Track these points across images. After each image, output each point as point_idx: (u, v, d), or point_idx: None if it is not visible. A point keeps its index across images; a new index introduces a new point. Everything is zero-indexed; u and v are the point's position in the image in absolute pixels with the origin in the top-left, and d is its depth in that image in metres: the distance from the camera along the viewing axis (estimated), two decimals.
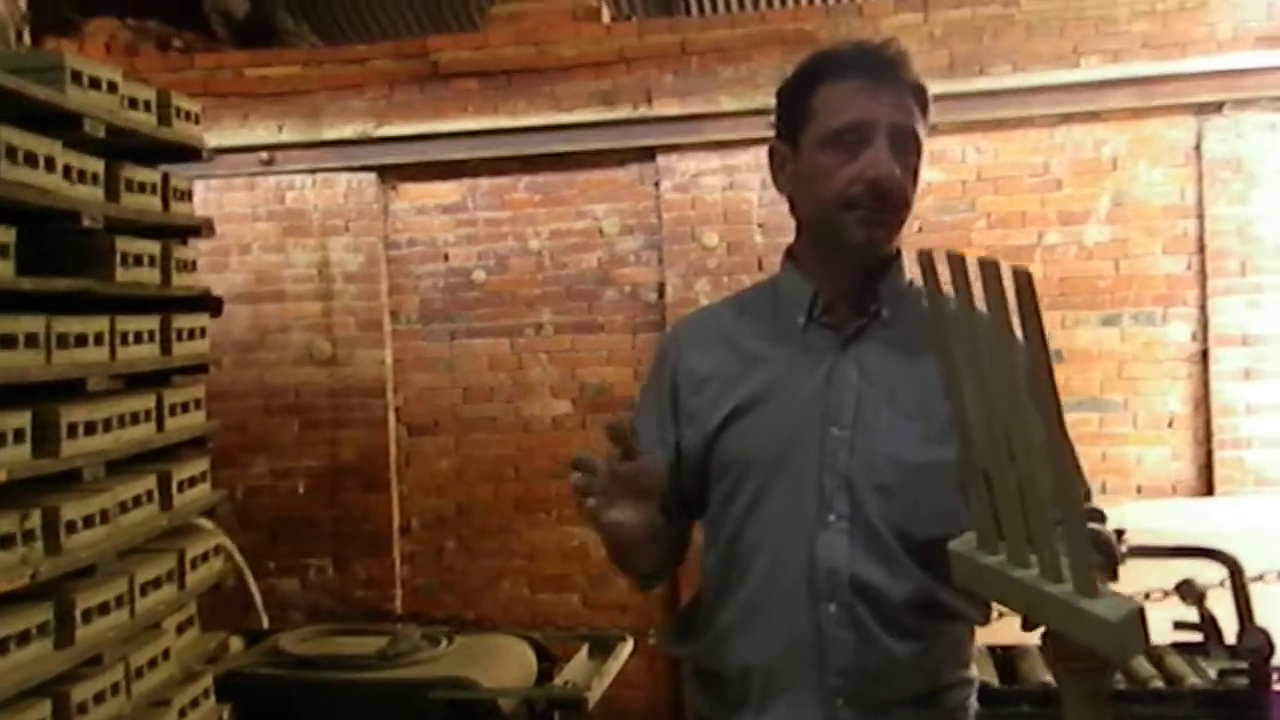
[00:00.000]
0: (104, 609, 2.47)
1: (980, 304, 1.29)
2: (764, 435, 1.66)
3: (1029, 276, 1.22)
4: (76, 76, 2.47)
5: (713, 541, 1.72)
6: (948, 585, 1.62)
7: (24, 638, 2.24)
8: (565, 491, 5.49)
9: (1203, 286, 4.90)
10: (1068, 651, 1.36)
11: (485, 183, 5.55)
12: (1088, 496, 1.75)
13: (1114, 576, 1.70)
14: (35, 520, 2.28)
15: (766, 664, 1.64)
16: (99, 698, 2.44)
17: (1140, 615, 1.24)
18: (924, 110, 1.67)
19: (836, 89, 1.63)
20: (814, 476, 1.62)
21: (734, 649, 1.67)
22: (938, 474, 1.59)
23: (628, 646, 3.76)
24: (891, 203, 1.63)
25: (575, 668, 3.52)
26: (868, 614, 1.61)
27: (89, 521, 2.43)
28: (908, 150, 1.63)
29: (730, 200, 5.23)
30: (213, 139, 3.09)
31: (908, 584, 1.61)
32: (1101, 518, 1.74)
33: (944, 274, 1.35)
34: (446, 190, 5.59)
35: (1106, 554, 1.68)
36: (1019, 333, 1.26)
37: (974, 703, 1.75)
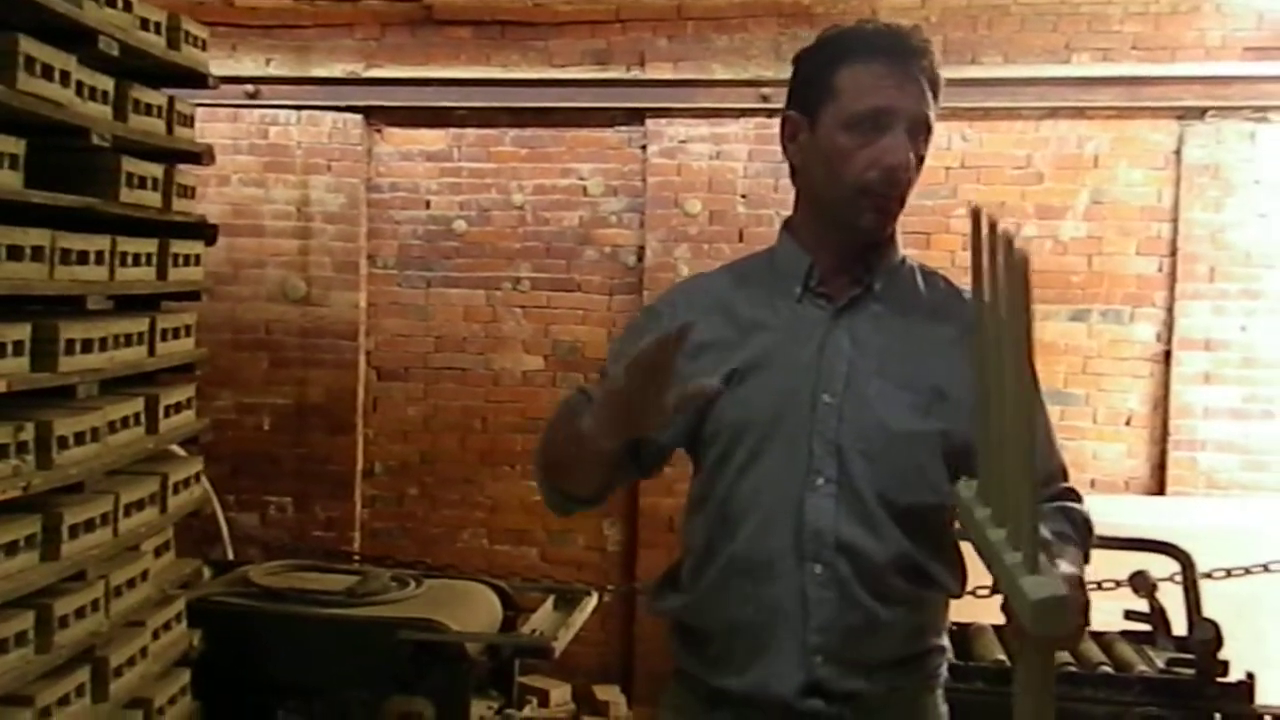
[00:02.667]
0: (89, 526, 2.48)
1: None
2: (759, 401, 1.70)
3: (1026, 261, 1.25)
4: None
5: (700, 502, 1.76)
6: (928, 552, 1.68)
7: (11, 548, 2.25)
8: (530, 447, 5.52)
9: (1171, 289, 5.01)
10: (1014, 621, 1.39)
11: (472, 133, 5.53)
12: (1064, 477, 1.81)
13: (1085, 557, 1.77)
14: (29, 433, 2.29)
15: (750, 621, 1.69)
16: (80, 613, 2.45)
17: (1062, 601, 1.25)
18: (936, 97, 1.71)
19: (863, 70, 1.67)
20: (804, 441, 1.67)
21: (719, 606, 1.72)
22: (923, 443, 1.65)
23: (592, 601, 3.83)
24: (901, 191, 1.68)
25: (541, 618, 3.57)
26: (851, 575, 1.65)
27: (80, 438, 2.44)
28: (921, 139, 1.68)
29: (716, 169, 5.25)
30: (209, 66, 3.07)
31: (891, 548, 1.66)
32: (1078, 498, 1.81)
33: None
34: (432, 137, 5.57)
35: (1079, 531, 1.74)
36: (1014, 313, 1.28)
37: (945, 671, 1.81)
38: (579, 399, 1.74)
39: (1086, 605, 1.40)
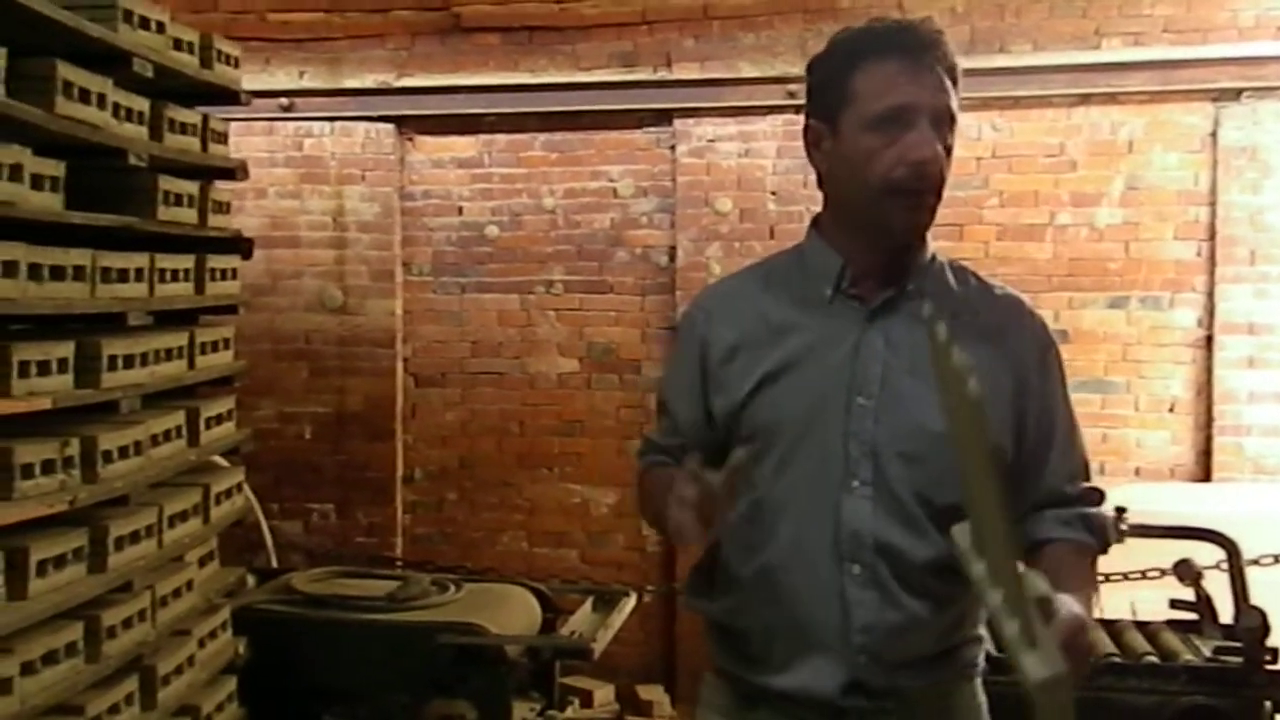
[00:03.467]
0: (135, 538, 2.53)
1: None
2: (792, 402, 1.71)
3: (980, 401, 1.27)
4: (128, 16, 2.50)
5: (737, 502, 1.76)
6: None
7: (60, 561, 2.30)
8: (567, 449, 5.56)
9: (1211, 273, 4.95)
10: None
11: (502, 139, 5.57)
12: (1086, 475, 1.80)
13: (1104, 551, 1.77)
14: (74, 448, 2.33)
15: (790, 623, 1.70)
16: (127, 623, 2.50)
17: (1060, 680, 1.28)
18: (957, 89, 1.70)
19: (877, 70, 1.66)
20: (839, 443, 1.68)
21: (757, 608, 1.73)
22: None
23: (630, 601, 3.84)
24: (933, 184, 1.66)
25: (580, 619, 3.59)
26: (889, 575, 1.66)
27: (124, 452, 2.49)
28: (946, 131, 1.66)
29: (745, 167, 5.25)
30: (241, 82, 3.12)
31: (928, 547, 1.67)
32: (1101, 498, 1.80)
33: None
34: (463, 144, 5.61)
35: (1099, 536, 1.75)
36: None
37: (982, 661, 1.82)
38: (652, 465, 1.88)
39: (1091, 646, 1.46)
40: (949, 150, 1.68)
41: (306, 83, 5.54)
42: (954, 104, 1.67)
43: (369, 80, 5.52)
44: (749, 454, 1.58)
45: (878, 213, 1.68)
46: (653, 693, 5.28)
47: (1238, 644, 2.99)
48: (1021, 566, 1.38)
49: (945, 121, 1.66)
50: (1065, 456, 1.77)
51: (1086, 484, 1.79)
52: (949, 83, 1.67)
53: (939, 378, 1.34)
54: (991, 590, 1.37)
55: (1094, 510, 1.77)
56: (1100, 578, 3.43)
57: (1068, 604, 1.45)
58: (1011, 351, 1.73)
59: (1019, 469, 1.75)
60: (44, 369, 2.24)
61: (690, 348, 1.83)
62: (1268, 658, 2.94)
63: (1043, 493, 1.75)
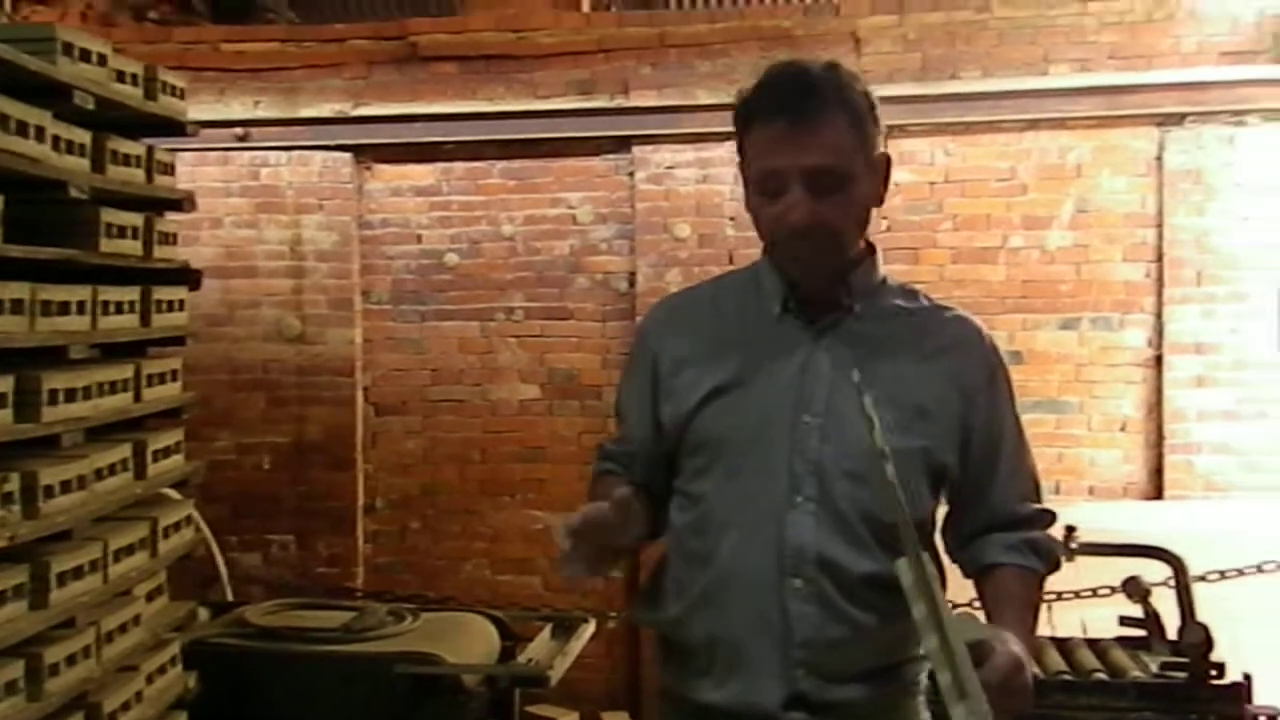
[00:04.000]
0: (78, 573, 2.51)
1: None
2: (737, 418, 1.74)
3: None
4: (68, 48, 2.50)
5: (683, 507, 1.80)
6: None
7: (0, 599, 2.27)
8: (530, 475, 5.55)
9: (1159, 294, 5.02)
10: None
11: (460, 166, 5.58)
12: (1037, 496, 1.84)
13: (1052, 572, 1.80)
14: (14, 484, 2.31)
15: (731, 636, 1.71)
16: (70, 660, 2.47)
17: None
18: (862, 126, 1.70)
19: (762, 132, 1.70)
20: (784, 460, 1.70)
21: (700, 621, 1.74)
22: (906, 460, 1.66)
23: (590, 628, 3.83)
24: (815, 241, 1.69)
25: (538, 646, 3.58)
26: (832, 589, 1.68)
27: (66, 487, 2.47)
28: (834, 186, 1.68)
29: (703, 193, 5.29)
30: (189, 113, 3.12)
31: (872, 563, 1.69)
32: (1051, 519, 1.83)
33: None
34: (421, 172, 5.62)
35: (1044, 559, 1.78)
36: None
37: (925, 679, 1.83)
38: (601, 473, 1.91)
39: (1026, 686, 1.52)
40: (847, 200, 1.69)
41: (262, 112, 5.54)
42: (845, 156, 1.68)
43: (326, 109, 5.53)
44: (629, 497, 1.65)
45: (777, 260, 1.77)
46: (617, 719, 5.27)
47: (1184, 660, 3.02)
48: (952, 612, 1.42)
49: (829, 177, 1.67)
50: (1014, 476, 1.80)
51: (1037, 505, 1.82)
52: (840, 132, 1.68)
53: (872, 449, 1.44)
54: (929, 635, 1.40)
55: (1040, 534, 1.80)
56: (1052, 595, 3.49)
57: (1005, 643, 1.50)
58: (959, 371, 1.77)
59: (967, 489, 1.78)
60: None
61: (643, 358, 1.88)
62: (1212, 673, 2.97)
63: (992, 512, 1.79)
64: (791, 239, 1.69)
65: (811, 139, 1.66)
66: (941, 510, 1.84)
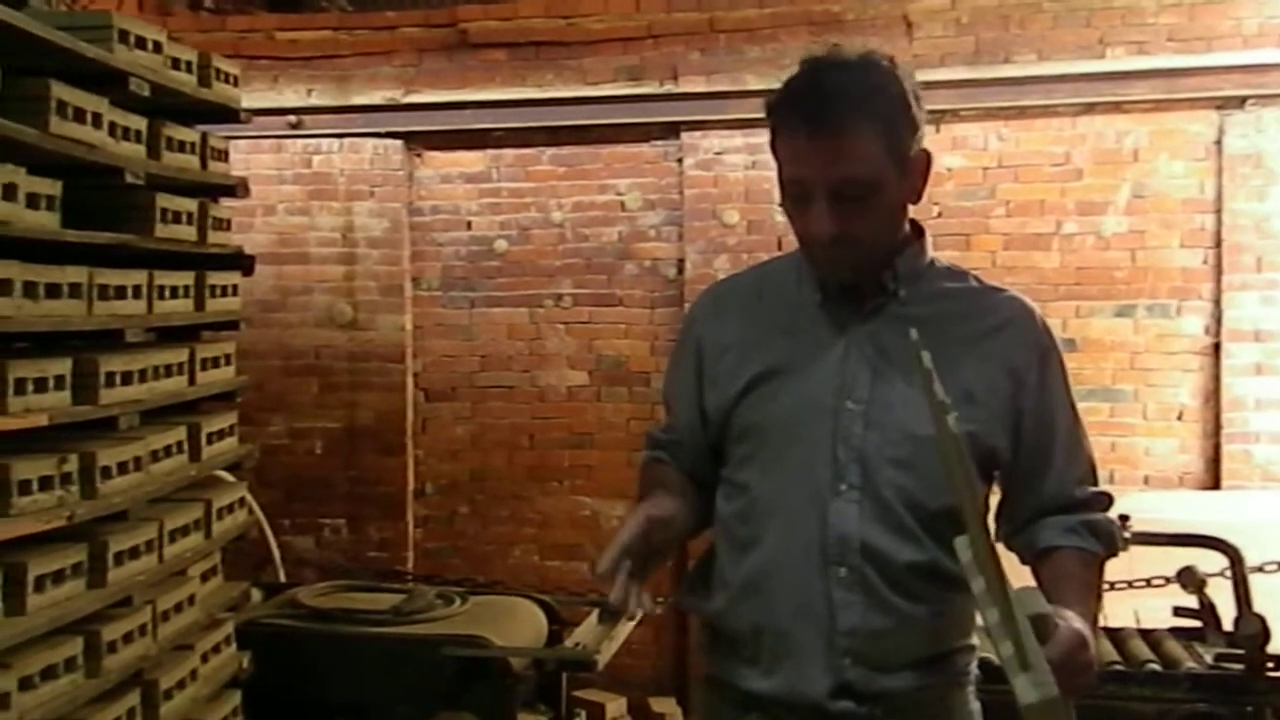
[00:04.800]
0: (134, 553, 2.55)
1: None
2: (781, 405, 1.73)
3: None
4: (124, 36, 2.54)
5: (729, 496, 1.80)
6: (951, 554, 1.68)
7: (59, 577, 2.31)
8: (578, 461, 5.57)
9: (1218, 281, 4.94)
10: None
11: (510, 153, 5.60)
12: (1094, 479, 1.80)
13: (1111, 556, 1.77)
14: (73, 464, 2.35)
15: (777, 624, 1.71)
16: (127, 638, 2.51)
17: (1052, 703, 1.31)
18: (893, 131, 1.65)
19: (788, 141, 1.67)
20: (827, 447, 1.69)
21: (746, 610, 1.74)
22: None
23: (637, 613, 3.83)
24: (840, 251, 1.67)
25: (585, 631, 3.59)
26: (877, 577, 1.67)
27: (123, 468, 2.51)
28: (859, 195, 1.64)
29: (752, 179, 5.28)
30: (243, 101, 3.15)
31: (916, 552, 1.68)
32: (1109, 502, 1.80)
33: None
34: (471, 159, 5.65)
35: (1104, 542, 1.75)
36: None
37: (975, 669, 1.82)
38: (650, 461, 1.91)
39: (1091, 662, 1.47)
40: (872, 208, 1.66)
41: (315, 100, 5.59)
42: (869, 163, 1.63)
43: (377, 97, 5.57)
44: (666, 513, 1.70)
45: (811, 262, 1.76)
46: (665, 705, 5.29)
47: (1239, 651, 2.98)
48: (1014, 585, 1.39)
49: (852, 187, 1.64)
50: (1070, 459, 1.77)
51: (1094, 488, 1.79)
52: (863, 138, 1.62)
53: (933, 414, 1.38)
54: (988, 609, 1.38)
55: (1099, 516, 1.76)
56: (1105, 585, 3.44)
57: (1068, 620, 1.47)
58: (1008, 352, 1.74)
59: (1020, 473, 1.76)
60: (41, 386, 2.26)
61: (688, 345, 1.88)
62: (1269, 664, 2.92)
63: (1048, 496, 1.76)
64: (816, 249, 1.69)
65: (834, 151, 1.62)
66: (994, 499, 1.82)
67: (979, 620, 1.42)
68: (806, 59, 1.71)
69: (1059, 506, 1.76)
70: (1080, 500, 1.77)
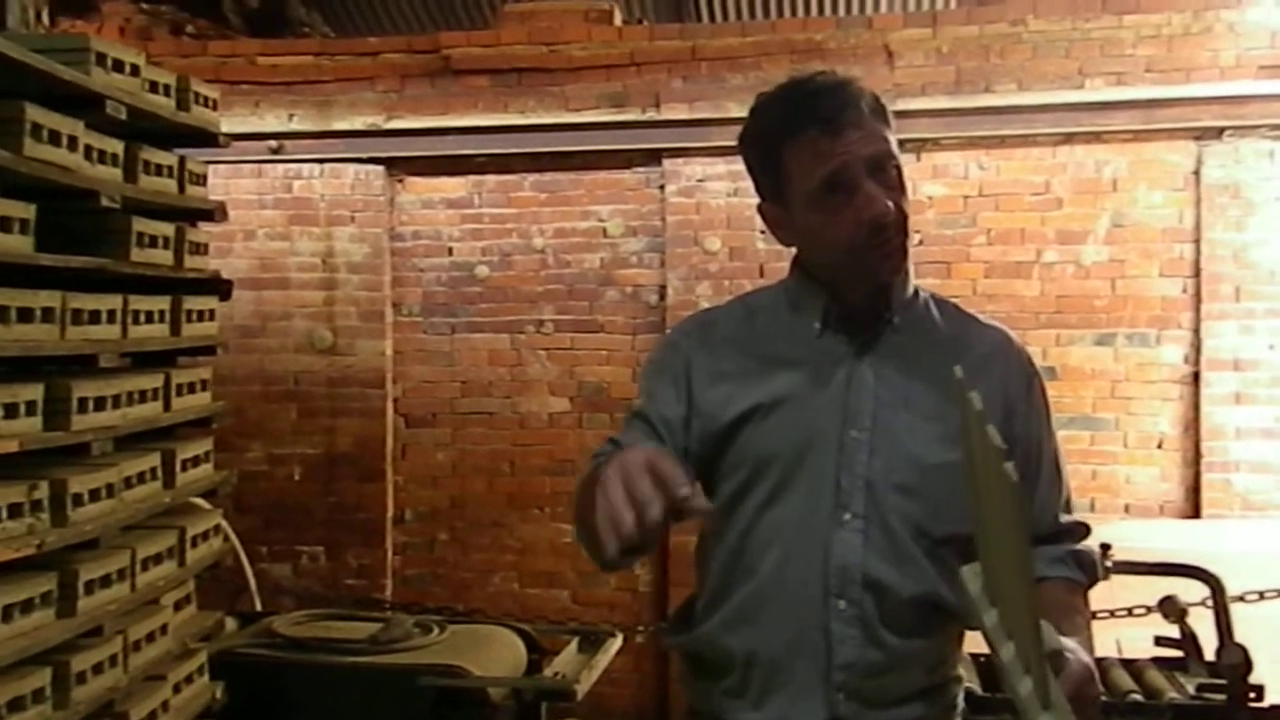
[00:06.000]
0: (106, 581, 2.50)
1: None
2: (782, 436, 1.70)
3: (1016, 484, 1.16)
4: (101, 59, 2.52)
5: (720, 535, 1.75)
6: (950, 584, 1.64)
7: (27, 606, 2.27)
8: (559, 488, 5.52)
9: (1197, 310, 4.97)
10: None
11: (492, 179, 5.60)
12: (1069, 508, 1.79)
13: (1092, 586, 1.76)
14: (43, 491, 2.32)
15: (769, 655, 1.68)
16: (97, 669, 2.47)
17: None
18: (887, 120, 1.68)
19: (802, 146, 1.64)
20: (830, 477, 1.67)
21: (737, 638, 1.71)
22: (955, 474, 1.62)
23: (617, 642, 3.80)
24: (896, 231, 1.66)
25: (565, 660, 3.56)
26: (875, 612, 1.65)
27: (95, 495, 2.47)
28: (889, 172, 1.65)
29: (734, 206, 5.29)
30: (223, 125, 3.13)
31: (917, 583, 1.66)
32: (1086, 531, 1.80)
33: None
34: (453, 185, 5.64)
35: (1088, 572, 1.74)
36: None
37: (961, 701, 1.80)
38: (606, 456, 1.68)
39: (1098, 695, 1.43)
40: (901, 188, 1.67)
41: (296, 125, 5.58)
42: (888, 142, 1.66)
43: (358, 122, 5.57)
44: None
45: (853, 270, 1.69)
46: None
47: (1221, 681, 2.96)
48: (1041, 622, 1.35)
49: (884, 164, 1.65)
50: (1052, 487, 1.77)
51: (1072, 519, 1.78)
52: (875, 121, 1.65)
53: (966, 447, 1.31)
54: (1005, 643, 1.35)
55: (1083, 546, 1.76)
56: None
57: (1076, 653, 1.44)
58: (999, 381, 1.73)
59: None
60: (11, 411, 2.23)
61: (674, 362, 1.79)
62: (1251, 695, 2.91)
63: (1033, 524, 1.73)
64: (874, 234, 1.63)
65: (865, 132, 1.63)
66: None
67: (998, 654, 1.38)
68: (784, 82, 1.71)
69: (1042, 535, 1.74)
70: (1064, 528, 1.76)
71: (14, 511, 2.23)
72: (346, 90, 5.58)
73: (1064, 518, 1.77)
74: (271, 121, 5.58)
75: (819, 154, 1.63)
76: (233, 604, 4.14)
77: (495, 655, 3.54)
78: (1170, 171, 5.00)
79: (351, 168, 5.61)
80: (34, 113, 2.27)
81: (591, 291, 5.54)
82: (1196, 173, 4.96)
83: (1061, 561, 1.73)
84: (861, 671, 1.65)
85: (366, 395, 5.63)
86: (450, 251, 5.65)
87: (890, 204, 1.63)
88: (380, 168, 5.60)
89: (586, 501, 1.60)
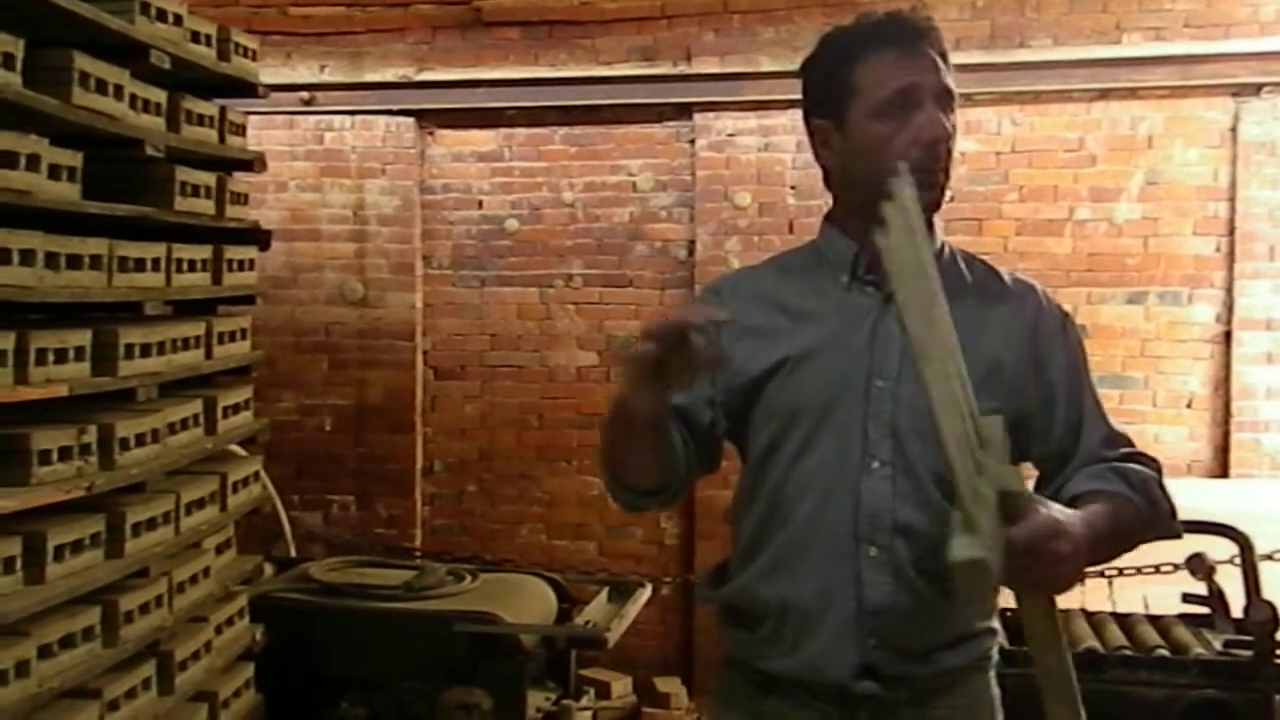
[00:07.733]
0: (151, 524, 2.56)
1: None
2: (812, 387, 1.72)
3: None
4: (145, 8, 2.54)
5: (753, 489, 1.78)
6: None
7: (77, 546, 2.33)
8: (586, 442, 5.56)
9: (1230, 269, 4.92)
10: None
11: (522, 132, 5.60)
12: (1124, 441, 1.75)
13: (1152, 508, 1.68)
14: (91, 435, 2.37)
15: (802, 602, 1.70)
16: (144, 609, 2.54)
17: (978, 564, 1.35)
18: (950, 70, 1.74)
19: (877, 61, 1.69)
20: (859, 426, 1.69)
21: (771, 587, 1.73)
22: None
23: (646, 592, 3.86)
24: (945, 162, 1.70)
25: (595, 609, 3.62)
26: (907, 558, 1.67)
27: (141, 440, 2.53)
28: (950, 109, 1.71)
29: (764, 161, 5.27)
30: (258, 75, 3.15)
31: (945, 528, 1.67)
32: (1146, 461, 1.73)
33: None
34: (484, 138, 5.64)
35: (1140, 491, 1.66)
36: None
37: (995, 653, 1.82)
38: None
39: (1060, 555, 1.42)
40: (955, 126, 1.71)
41: (327, 76, 5.58)
42: (952, 84, 1.71)
43: (389, 74, 5.56)
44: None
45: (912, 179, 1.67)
46: (670, 685, 5.30)
47: (1248, 637, 2.99)
48: (995, 461, 1.41)
49: (948, 101, 1.70)
50: (1095, 422, 1.74)
51: (1126, 449, 1.73)
52: (944, 66, 1.72)
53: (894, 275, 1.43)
54: (962, 479, 1.40)
55: (1130, 465, 1.70)
56: (1113, 571, 3.45)
57: (1050, 508, 1.45)
58: (1030, 320, 1.75)
59: (1054, 445, 1.73)
60: (61, 357, 2.28)
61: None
62: (1278, 651, 2.93)
63: (1082, 459, 1.71)
64: (928, 157, 1.68)
65: (929, 62, 1.70)
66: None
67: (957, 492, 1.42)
68: (862, 14, 1.77)
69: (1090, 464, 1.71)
70: (1115, 460, 1.71)
71: (64, 454, 2.29)
72: (378, 42, 5.57)
73: (1116, 450, 1.72)
74: (303, 72, 5.58)
75: (898, 67, 1.69)
76: (268, 550, 4.21)
77: (527, 604, 3.60)
78: (1206, 128, 4.95)
79: (382, 120, 5.61)
80: (82, 61, 2.30)
81: (620, 246, 5.55)
82: (1233, 130, 4.90)
83: (1100, 476, 1.67)
84: (893, 617, 1.67)
85: (396, 348, 5.67)
86: (480, 205, 5.66)
87: (948, 131, 1.69)
88: (411, 120, 5.59)
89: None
